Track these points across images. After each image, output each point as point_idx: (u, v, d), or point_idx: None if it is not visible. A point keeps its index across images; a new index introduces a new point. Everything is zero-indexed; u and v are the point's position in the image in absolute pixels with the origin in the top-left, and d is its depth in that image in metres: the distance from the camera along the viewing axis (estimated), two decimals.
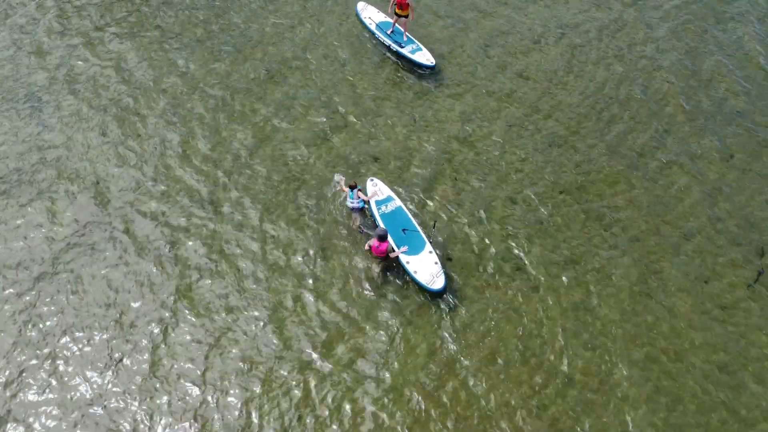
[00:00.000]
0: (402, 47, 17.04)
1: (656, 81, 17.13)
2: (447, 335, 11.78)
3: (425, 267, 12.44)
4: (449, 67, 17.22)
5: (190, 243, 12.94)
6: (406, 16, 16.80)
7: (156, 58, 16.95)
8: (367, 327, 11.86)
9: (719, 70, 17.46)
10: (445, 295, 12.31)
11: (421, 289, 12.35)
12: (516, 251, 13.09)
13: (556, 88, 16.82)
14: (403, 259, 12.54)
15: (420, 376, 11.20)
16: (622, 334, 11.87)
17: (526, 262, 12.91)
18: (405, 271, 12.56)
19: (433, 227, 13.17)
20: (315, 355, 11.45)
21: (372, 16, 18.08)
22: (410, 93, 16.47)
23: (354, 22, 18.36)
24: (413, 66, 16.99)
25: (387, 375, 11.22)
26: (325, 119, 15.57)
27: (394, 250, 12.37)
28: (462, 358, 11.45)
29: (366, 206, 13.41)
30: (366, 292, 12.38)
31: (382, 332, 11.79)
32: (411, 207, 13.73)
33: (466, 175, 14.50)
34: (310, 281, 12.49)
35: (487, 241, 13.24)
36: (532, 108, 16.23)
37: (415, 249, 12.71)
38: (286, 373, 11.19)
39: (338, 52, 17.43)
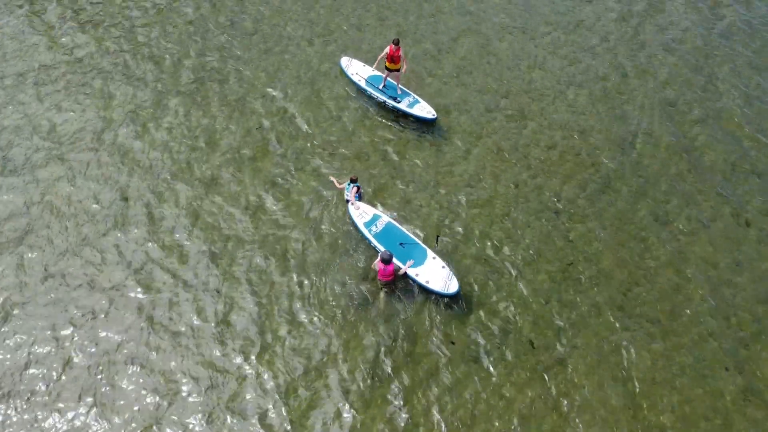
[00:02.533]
0: (398, 102, 15.68)
1: (665, 135, 15.78)
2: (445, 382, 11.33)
3: (435, 274, 12.33)
4: (450, 119, 15.84)
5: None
6: (398, 70, 15.36)
7: (141, 107, 15.79)
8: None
9: (732, 119, 16.27)
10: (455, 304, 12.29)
11: (437, 296, 12.29)
12: (518, 319, 12.21)
13: (565, 140, 15.50)
14: (412, 272, 12.39)
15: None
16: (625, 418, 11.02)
17: (534, 340, 11.93)
18: (417, 285, 12.41)
19: (436, 242, 13.04)
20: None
21: (359, 71, 16.50)
22: (407, 151, 15.05)
23: (339, 79, 16.74)
24: (412, 120, 15.62)
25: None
26: (315, 184, 14.30)
27: (400, 268, 12.21)
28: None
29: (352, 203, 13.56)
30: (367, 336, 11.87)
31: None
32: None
33: (460, 237, 13.39)
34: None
35: (490, 310, 12.34)
36: (540, 165, 14.92)
37: (418, 259, 12.57)
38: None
39: (326, 113, 15.84)
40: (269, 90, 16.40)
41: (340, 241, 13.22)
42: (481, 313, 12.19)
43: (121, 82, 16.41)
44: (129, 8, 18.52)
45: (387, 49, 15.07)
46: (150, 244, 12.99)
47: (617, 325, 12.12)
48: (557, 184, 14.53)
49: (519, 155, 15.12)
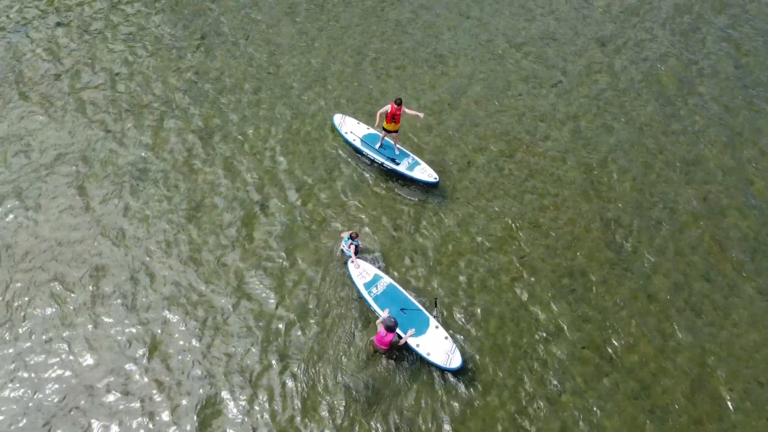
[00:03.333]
0: (397, 164, 14.41)
1: (682, 204, 14.71)
2: None
3: (437, 346, 11.44)
4: (451, 181, 14.60)
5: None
6: (397, 131, 14.15)
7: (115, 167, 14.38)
8: None
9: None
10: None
11: (439, 370, 11.40)
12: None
13: (570, 202, 14.45)
14: (412, 342, 11.53)
15: None
16: None
17: None
18: (417, 356, 11.54)
19: (435, 306, 12.23)
20: None
21: (354, 130, 15.18)
22: (406, 216, 13.81)
23: (331, 138, 15.36)
24: (412, 183, 14.36)
25: None
26: (303, 254, 13.08)
27: (401, 337, 11.37)
28: None
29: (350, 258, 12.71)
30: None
31: None
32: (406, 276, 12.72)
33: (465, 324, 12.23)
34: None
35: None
36: (548, 232, 13.80)
37: (420, 328, 11.70)
38: None
39: (317, 175, 14.50)
40: (253, 149, 14.97)
41: (331, 313, 12.19)
42: (486, 396, 11.24)
43: (97, 135, 14.93)
44: (113, 61, 16.84)
45: (388, 108, 13.69)
46: (120, 328, 11.71)
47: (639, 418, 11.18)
48: (569, 254, 13.47)
49: (526, 222, 14.00)
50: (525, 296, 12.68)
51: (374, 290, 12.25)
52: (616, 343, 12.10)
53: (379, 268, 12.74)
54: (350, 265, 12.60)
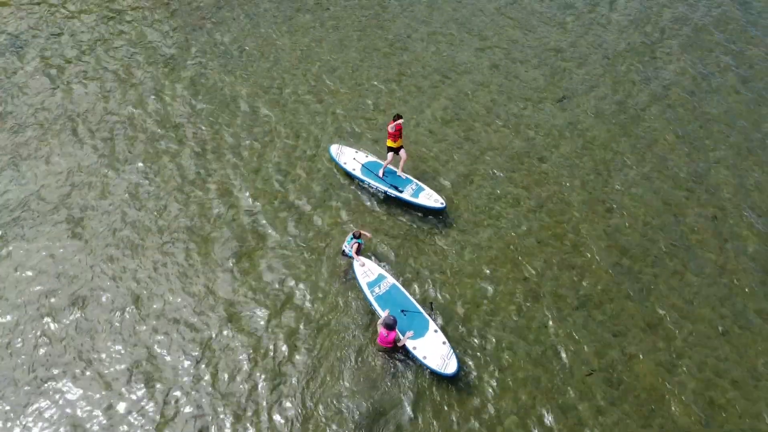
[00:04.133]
0: (401, 191, 14.00)
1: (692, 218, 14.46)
2: None
3: (434, 350, 11.42)
4: (459, 207, 14.36)
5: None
6: (402, 147, 13.92)
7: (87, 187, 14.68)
8: None
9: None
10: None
11: (434, 374, 11.39)
12: None
13: (593, 223, 14.18)
14: (410, 344, 11.54)
15: None
16: None
17: None
18: (413, 358, 11.55)
19: (431, 308, 12.22)
20: None
21: (356, 157, 14.84)
22: (409, 242, 13.58)
23: (328, 167, 15.21)
24: (418, 210, 14.07)
25: None
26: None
27: (400, 339, 11.40)
28: None
29: (353, 258, 12.73)
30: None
31: None
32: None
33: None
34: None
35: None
36: (562, 258, 13.51)
37: (419, 331, 11.71)
38: None
39: (317, 204, 14.38)
40: (249, 171, 15.07)
41: (331, 330, 12.12)
42: (481, 409, 11.09)
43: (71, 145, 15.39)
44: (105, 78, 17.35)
45: (392, 126, 13.53)
46: (110, 360, 11.66)
47: None
48: (575, 275, 13.32)
49: (532, 244, 13.82)
50: (527, 316, 12.57)
51: (377, 290, 12.29)
52: (620, 366, 11.92)
53: (383, 268, 12.81)
54: (355, 263, 12.67)
